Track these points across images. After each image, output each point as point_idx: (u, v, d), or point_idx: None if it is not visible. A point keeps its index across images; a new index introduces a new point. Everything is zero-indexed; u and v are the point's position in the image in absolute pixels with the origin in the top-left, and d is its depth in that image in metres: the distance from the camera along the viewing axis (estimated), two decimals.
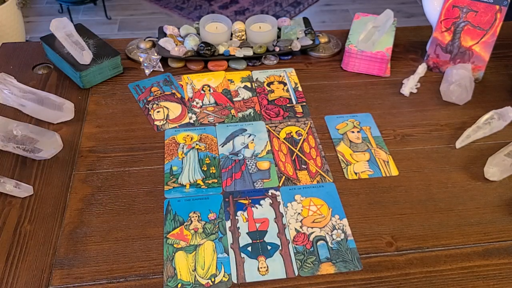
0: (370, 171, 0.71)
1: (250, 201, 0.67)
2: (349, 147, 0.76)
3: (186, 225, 0.63)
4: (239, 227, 0.63)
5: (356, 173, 0.71)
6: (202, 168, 0.71)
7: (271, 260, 0.59)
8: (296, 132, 0.78)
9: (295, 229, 0.63)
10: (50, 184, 0.69)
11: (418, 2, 2.75)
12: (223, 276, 0.58)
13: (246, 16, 2.58)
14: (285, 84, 0.88)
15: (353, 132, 0.78)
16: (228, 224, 0.64)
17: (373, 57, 0.88)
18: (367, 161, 0.73)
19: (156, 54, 0.91)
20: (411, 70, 0.92)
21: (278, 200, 0.67)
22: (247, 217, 0.65)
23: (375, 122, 0.80)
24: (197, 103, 0.84)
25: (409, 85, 0.86)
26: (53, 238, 0.61)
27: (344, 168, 0.72)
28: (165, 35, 0.95)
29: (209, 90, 0.86)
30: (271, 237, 0.62)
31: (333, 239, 0.62)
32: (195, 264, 0.59)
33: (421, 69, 0.89)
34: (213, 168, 0.72)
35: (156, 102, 0.83)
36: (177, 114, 0.81)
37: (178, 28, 0.96)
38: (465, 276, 0.58)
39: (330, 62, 0.95)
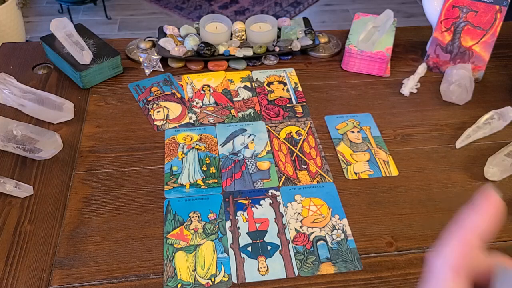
0: (370, 171, 0.71)
1: (250, 201, 0.67)
2: (349, 147, 0.76)
3: (186, 225, 0.63)
4: (239, 227, 0.63)
5: (356, 173, 0.71)
6: (202, 168, 0.71)
7: (271, 260, 0.59)
8: (296, 132, 0.78)
9: (295, 229, 0.63)
10: (50, 184, 0.69)
11: (418, 2, 2.75)
12: (223, 276, 0.58)
13: (246, 16, 2.58)
14: (285, 84, 0.88)
15: (353, 132, 0.78)
16: (228, 224, 0.64)
17: (373, 57, 0.88)
18: (367, 161, 0.73)
19: (156, 54, 0.91)
20: (411, 70, 0.92)
21: (278, 200, 0.67)
22: (247, 217, 0.65)
23: (375, 122, 0.80)
24: (197, 103, 0.84)
25: (409, 85, 0.86)
26: (53, 238, 0.61)
27: (344, 168, 0.72)
28: (165, 35, 0.95)
29: (209, 90, 0.86)
30: (271, 237, 0.62)
31: (333, 239, 0.62)
32: (195, 264, 0.59)
33: (421, 69, 0.89)
34: (213, 168, 0.72)
35: (156, 102, 0.83)
36: (177, 114, 0.81)
37: (178, 28, 0.96)
38: None
39: (330, 62, 0.95)
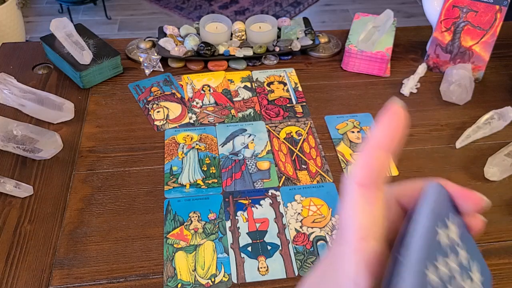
0: None
1: (250, 201, 0.67)
2: (349, 147, 0.76)
3: (186, 225, 0.63)
4: (239, 227, 0.63)
5: None
6: (202, 168, 0.71)
7: (271, 260, 0.59)
8: (296, 132, 0.78)
9: (295, 229, 0.63)
10: (50, 184, 0.69)
11: (418, 2, 2.75)
12: (223, 276, 0.58)
13: (246, 16, 2.58)
14: (285, 84, 0.88)
15: (353, 132, 0.78)
16: (228, 224, 0.64)
17: (373, 57, 0.88)
18: None
19: (156, 54, 0.91)
20: (411, 70, 0.92)
21: (278, 200, 0.67)
22: (247, 217, 0.65)
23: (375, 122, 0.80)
24: (197, 103, 0.84)
25: (409, 85, 0.86)
26: (53, 238, 0.61)
27: (344, 168, 0.72)
28: (165, 35, 0.95)
29: (209, 90, 0.86)
30: (271, 237, 0.62)
31: (333, 239, 0.62)
32: (195, 264, 0.59)
33: (421, 69, 0.89)
34: (213, 168, 0.72)
35: (156, 102, 0.83)
36: (177, 114, 0.81)
37: (178, 28, 0.96)
38: None
39: (330, 62, 0.95)
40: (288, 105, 0.84)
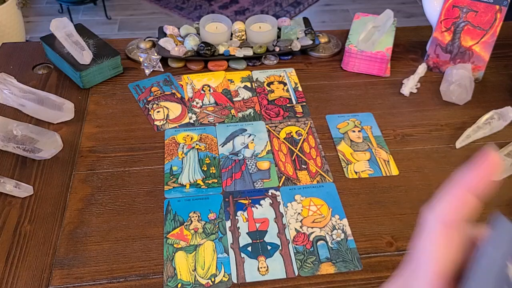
0: (371, 171, 0.71)
1: (250, 201, 0.67)
2: (350, 146, 0.76)
3: (186, 225, 0.63)
4: (239, 227, 0.63)
5: (356, 172, 0.71)
6: (202, 168, 0.71)
7: (271, 260, 0.59)
8: (296, 132, 0.78)
9: (295, 229, 0.63)
10: (50, 184, 0.69)
11: (418, 2, 2.75)
12: (223, 276, 0.58)
13: (246, 16, 2.58)
14: (285, 84, 0.88)
15: (354, 131, 0.78)
16: (228, 224, 0.64)
17: (373, 57, 0.88)
18: (368, 160, 0.73)
19: (156, 54, 0.91)
20: (411, 70, 0.92)
21: (278, 200, 0.67)
22: (247, 217, 0.65)
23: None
24: (197, 103, 0.84)
25: (409, 85, 0.86)
26: (53, 238, 0.61)
27: (345, 167, 0.72)
28: (165, 35, 0.95)
29: (209, 90, 0.86)
30: (271, 237, 0.62)
31: (333, 239, 0.62)
32: (195, 264, 0.59)
33: (421, 69, 0.89)
34: (213, 168, 0.72)
35: (156, 102, 0.83)
36: (177, 114, 0.81)
37: (178, 28, 0.96)
38: None
39: (330, 62, 0.94)
40: (288, 105, 0.84)
